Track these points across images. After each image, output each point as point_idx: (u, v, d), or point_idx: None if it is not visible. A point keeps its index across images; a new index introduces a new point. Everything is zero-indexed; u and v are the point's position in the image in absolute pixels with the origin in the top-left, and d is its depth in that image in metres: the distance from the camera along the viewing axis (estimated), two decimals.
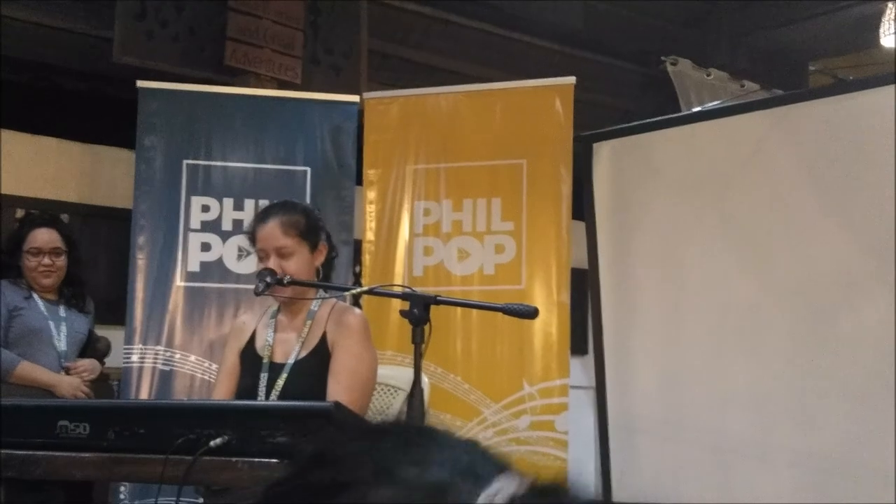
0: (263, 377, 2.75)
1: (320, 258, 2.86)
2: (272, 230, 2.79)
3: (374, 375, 2.78)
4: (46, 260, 3.82)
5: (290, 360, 2.75)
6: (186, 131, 4.48)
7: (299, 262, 2.78)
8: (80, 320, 3.92)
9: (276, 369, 2.75)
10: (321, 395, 2.65)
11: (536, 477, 0.79)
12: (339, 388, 2.65)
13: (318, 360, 2.74)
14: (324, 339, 2.76)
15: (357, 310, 2.89)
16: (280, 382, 2.72)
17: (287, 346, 2.79)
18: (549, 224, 4.51)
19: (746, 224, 4.33)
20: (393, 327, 4.30)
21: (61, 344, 3.81)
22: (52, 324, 3.82)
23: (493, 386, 4.45)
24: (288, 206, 2.90)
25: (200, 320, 4.36)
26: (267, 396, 2.71)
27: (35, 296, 3.82)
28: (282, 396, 2.69)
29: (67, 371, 3.78)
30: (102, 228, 5.33)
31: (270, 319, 2.87)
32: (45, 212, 4.66)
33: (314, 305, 2.83)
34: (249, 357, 2.82)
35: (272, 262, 2.76)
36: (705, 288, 4.44)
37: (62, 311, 3.87)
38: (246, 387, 2.78)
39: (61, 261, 3.86)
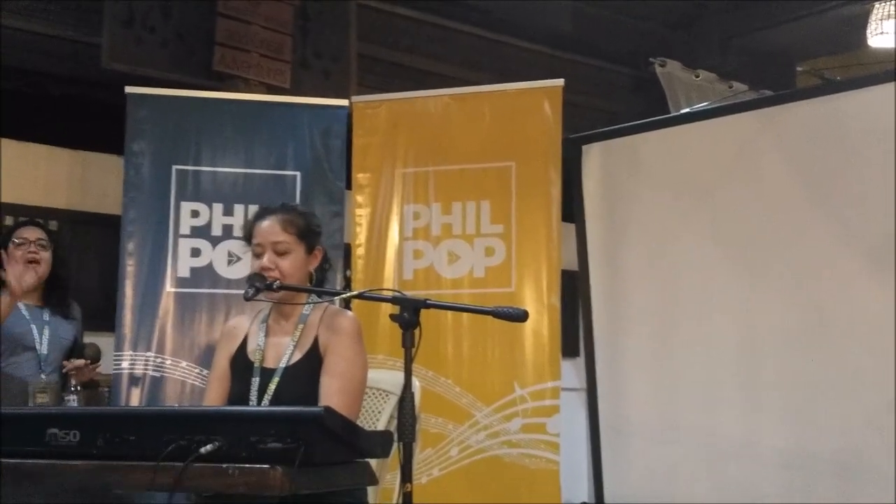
0: (255, 382, 2.74)
1: (314, 262, 2.86)
2: (271, 226, 2.80)
3: (366, 378, 2.78)
4: (32, 248, 3.83)
5: (282, 365, 2.74)
6: (175, 137, 4.48)
7: (294, 261, 2.78)
8: (64, 326, 3.91)
9: (267, 374, 2.74)
10: (313, 399, 2.64)
11: None
12: (332, 392, 2.65)
13: (310, 365, 2.73)
14: (316, 343, 2.75)
15: (349, 313, 2.88)
16: (272, 387, 2.71)
17: (278, 351, 2.78)
18: (538, 226, 4.51)
19: (736, 224, 4.34)
20: (383, 331, 4.29)
21: (43, 348, 3.80)
22: (34, 327, 3.81)
23: (484, 389, 4.45)
24: (287, 206, 2.93)
25: (191, 326, 4.35)
26: (259, 401, 2.70)
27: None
28: (274, 401, 2.68)
29: (64, 369, 3.77)
30: (92, 235, 5.32)
31: (262, 324, 2.86)
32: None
33: (305, 309, 2.82)
34: (240, 362, 2.81)
35: (267, 259, 2.75)
36: (696, 289, 4.45)
37: (46, 315, 3.87)
38: (237, 392, 2.77)
39: (46, 255, 3.87)
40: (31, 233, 3.91)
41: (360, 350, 2.76)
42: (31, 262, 3.82)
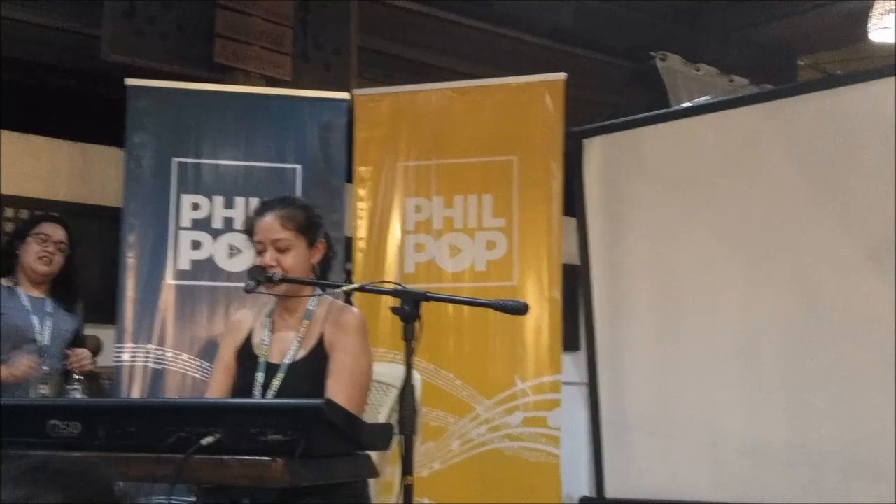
0: (259, 377, 2.73)
1: (317, 255, 2.85)
2: (271, 223, 2.78)
3: (371, 374, 2.78)
4: (51, 248, 3.83)
5: (287, 361, 2.73)
6: (176, 129, 4.47)
7: (296, 257, 2.77)
8: (66, 318, 3.90)
9: (272, 369, 2.74)
10: (318, 395, 2.63)
11: None
12: (338, 388, 2.64)
13: (315, 362, 2.72)
14: (321, 340, 2.75)
15: (354, 309, 2.88)
16: (276, 383, 2.70)
17: (283, 346, 2.78)
18: (540, 220, 4.51)
19: (737, 218, 4.34)
20: (384, 324, 4.29)
21: (44, 339, 3.79)
22: (35, 318, 3.79)
23: (485, 382, 4.45)
24: (287, 200, 2.89)
25: (192, 319, 4.35)
26: (263, 396, 2.69)
27: (19, 290, 3.81)
28: (278, 397, 2.68)
29: (68, 357, 3.76)
30: (92, 227, 5.30)
31: (266, 318, 2.85)
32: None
33: (311, 305, 2.81)
34: (245, 356, 2.81)
35: (269, 256, 2.74)
36: (697, 282, 4.45)
37: (48, 306, 3.86)
38: (241, 386, 2.76)
39: (60, 258, 3.87)
40: (55, 231, 3.87)
41: (366, 346, 2.76)
42: (42, 258, 3.82)
